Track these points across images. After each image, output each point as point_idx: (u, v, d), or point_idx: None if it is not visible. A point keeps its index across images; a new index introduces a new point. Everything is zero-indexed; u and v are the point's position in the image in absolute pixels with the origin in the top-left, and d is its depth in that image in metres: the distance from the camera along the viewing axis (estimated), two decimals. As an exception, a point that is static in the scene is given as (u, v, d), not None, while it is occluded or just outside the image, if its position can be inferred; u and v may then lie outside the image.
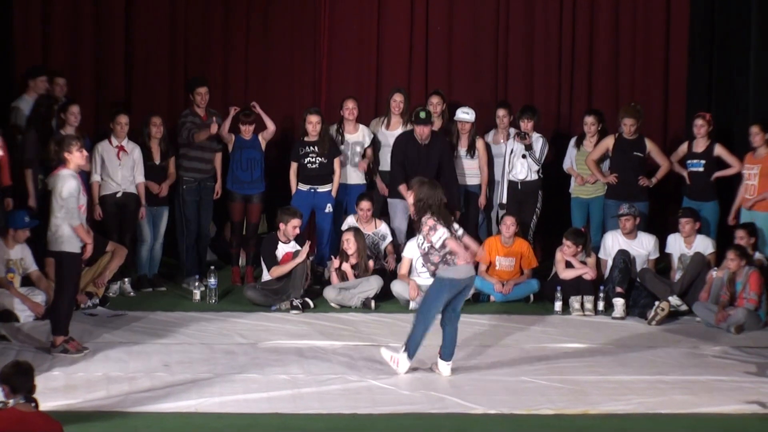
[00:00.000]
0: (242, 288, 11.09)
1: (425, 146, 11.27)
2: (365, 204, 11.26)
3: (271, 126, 11.60)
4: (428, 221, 8.18)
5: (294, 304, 10.39)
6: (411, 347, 8.31)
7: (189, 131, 11.37)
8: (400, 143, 11.37)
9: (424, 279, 10.55)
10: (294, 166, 11.58)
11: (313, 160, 11.48)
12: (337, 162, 11.57)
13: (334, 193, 11.62)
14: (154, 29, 12.40)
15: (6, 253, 9.83)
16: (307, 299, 10.56)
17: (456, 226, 8.37)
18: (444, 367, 8.36)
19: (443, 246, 8.14)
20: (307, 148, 11.50)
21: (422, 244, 8.28)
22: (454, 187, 11.18)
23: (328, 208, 11.59)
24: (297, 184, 11.58)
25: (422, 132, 11.20)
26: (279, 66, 12.68)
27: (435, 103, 11.94)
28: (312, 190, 11.55)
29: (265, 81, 12.66)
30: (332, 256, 11.15)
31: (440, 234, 8.13)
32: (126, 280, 10.94)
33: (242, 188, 11.56)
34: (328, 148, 11.49)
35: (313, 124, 11.45)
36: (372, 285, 10.66)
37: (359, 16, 12.76)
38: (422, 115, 11.20)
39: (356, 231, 11.03)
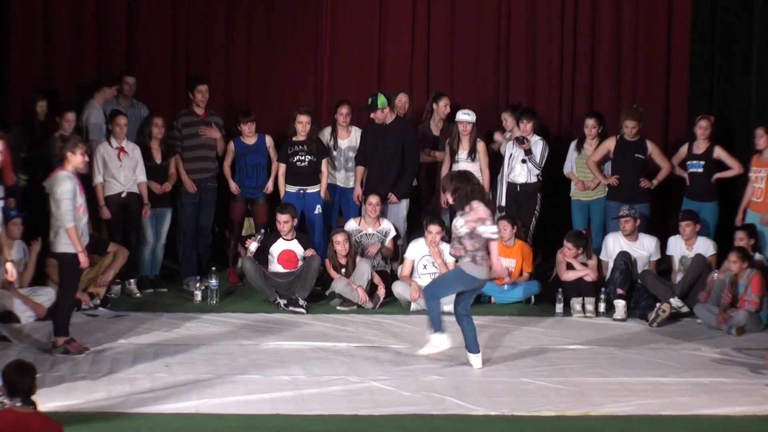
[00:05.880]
0: (243, 288, 11.10)
1: (385, 127, 11.40)
2: (374, 199, 11.21)
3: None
4: (479, 211, 8.37)
5: (300, 303, 10.39)
6: (436, 324, 8.53)
7: (174, 143, 11.37)
8: (366, 126, 11.60)
9: (426, 280, 10.53)
10: (282, 167, 11.57)
11: (303, 158, 11.47)
12: (324, 163, 11.57)
13: (323, 194, 11.61)
14: (156, 31, 12.40)
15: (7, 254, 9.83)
16: (300, 299, 10.52)
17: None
18: (475, 360, 8.60)
19: (485, 242, 8.39)
20: (296, 147, 11.49)
21: (461, 226, 8.42)
22: (410, 170, 11.47)
23: (318, 209, 11.56)
24: (285, 186, 11.56)
25: (376, 116, 11.40)
26: (281, 67, 12.68)
27: (442, 105, 11.96)
28: (301, 192, 11.52)
29: (266, 82, 12.66)
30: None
31: (492, 230, 8.41)
32: (131, 281, 10.93)
33: (247, 192, 11.58)
34: (317, 148, 11.49)
35: (303, 123, 11.44)
36: (362, 270, 10.71)
37: (361, 17, 12.77)
38: (369, 101, 11.41)
39: (347, 233, 11.01)
